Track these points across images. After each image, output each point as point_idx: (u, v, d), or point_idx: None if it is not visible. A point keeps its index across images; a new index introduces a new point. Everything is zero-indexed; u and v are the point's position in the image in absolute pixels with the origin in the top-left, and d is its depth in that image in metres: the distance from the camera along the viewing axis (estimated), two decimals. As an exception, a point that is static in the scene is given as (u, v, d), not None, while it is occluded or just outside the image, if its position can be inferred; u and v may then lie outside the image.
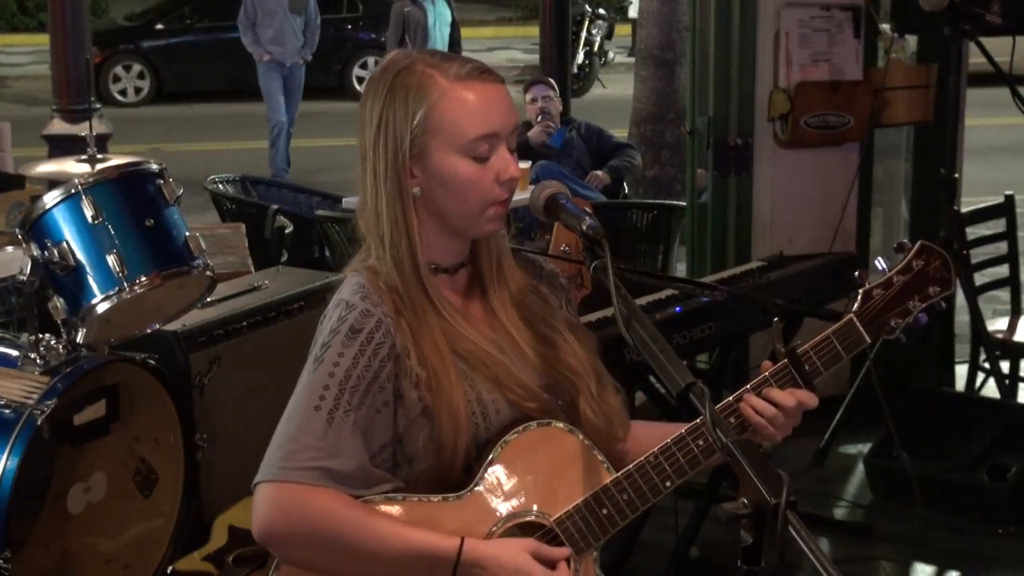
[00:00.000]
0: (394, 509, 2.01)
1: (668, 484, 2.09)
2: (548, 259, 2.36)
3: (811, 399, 2.14)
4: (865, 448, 5.00)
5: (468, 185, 2.06)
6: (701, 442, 2.08)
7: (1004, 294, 5.62)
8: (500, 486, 2.05)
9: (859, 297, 2.20)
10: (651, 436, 2.18)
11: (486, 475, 2.05)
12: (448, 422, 2.03)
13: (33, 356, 3.64)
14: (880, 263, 2.22)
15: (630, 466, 2.09)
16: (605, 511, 2.07)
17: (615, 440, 2.18)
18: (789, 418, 2.14)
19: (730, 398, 2.15)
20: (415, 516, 2.01)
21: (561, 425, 2.10)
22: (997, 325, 5.37)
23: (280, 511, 1.97)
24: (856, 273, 2.23)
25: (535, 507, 2.08)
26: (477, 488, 2.05)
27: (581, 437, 2.11)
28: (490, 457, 2.05)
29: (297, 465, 1.96)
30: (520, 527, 2.08)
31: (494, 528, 2.05)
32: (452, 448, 2.04)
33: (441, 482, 2.06)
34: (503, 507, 2.06)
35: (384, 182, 2.06)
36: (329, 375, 2.00)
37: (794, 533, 1.75)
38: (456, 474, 2.06)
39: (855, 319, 2.19)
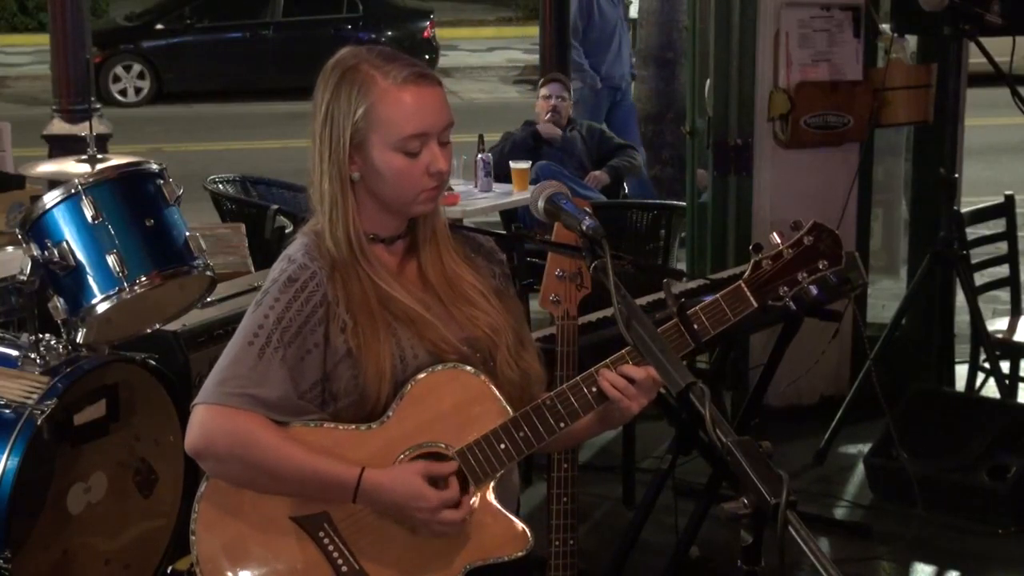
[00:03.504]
0: (311, 435, 2.25)
1: (562, 425, 2.29)
2: (489, 237, 2.54)
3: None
4: (865, 448, 5.00)
5: (400, 176, 2.29)
6: (595, 389, 2.29)
7: (1004, 294, 5.62)
8: (408, 419, 2.27)
9: (750, 266, 2.37)
10: None
11: (397, 409, 2.27)
12: (372, 369, 2.26)
13: (33, 356, 3.64)
14: (774, 237, 2.39)
15: (528, 407, 2.30)
16: (503, 446, 2.28)
17: (530, 396, 2.36)
18: (641, 391, 2.30)
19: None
20: (328, 442, 2.25)
21: (467, 368, 2.30)
22: (997, 325, 5.37)
23: (208, 429, 2.23)
24: (751, 246, 2.38)
25: (439, 439, 2.28)
26: (388, 420, 2.27)
27: (484, 378, 2.30)
28: (401, 393, 2.27)
29: (228, 391, 2.23)
30: (424, 456, 2.28)
31: (401, 456, 2.27)
32: (376, 392, 2.27)
33: (362, 417, 2.29)
34: (410, 438, 2.27)
35: (327, 167, 2.31)
36: (264, 316, 2.26)
37: (794, 533, 1.75)
38: (375, 410, 2.29)
39: (743, 285, 2.36)
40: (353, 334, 2.27)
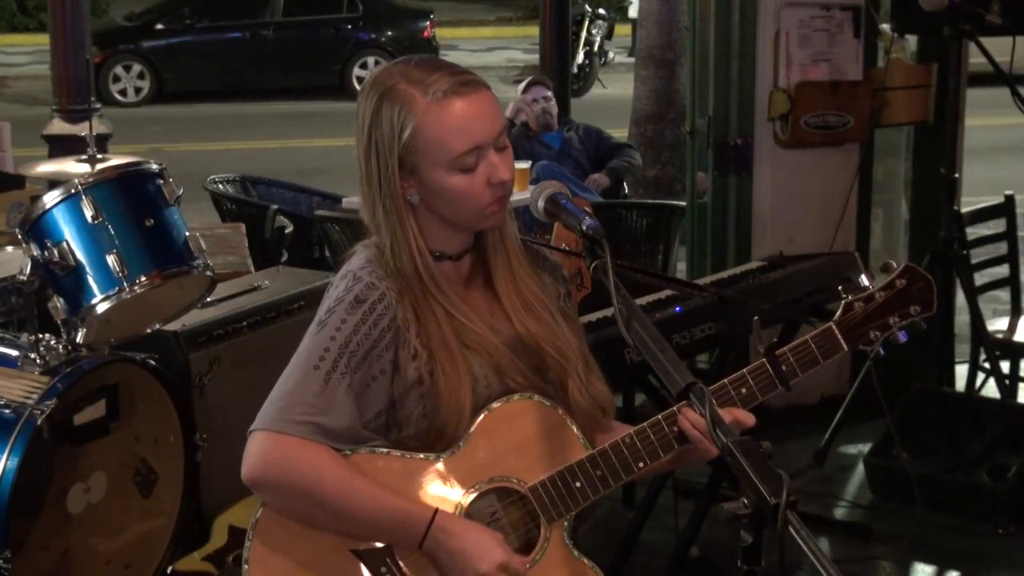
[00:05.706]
0: (376, 463, 2.12)
1: (641, 465, 2.19)
2: (553, 251, 2.44)
3: (748, 418, 2.21)
4: (865, 448, 5.00)
5: (461, 194, 2.15)
6: (675, 428, 2.18)
7: (1004, 294, 5.62)
8: (481, 450, 2.16)
9: (841, 307, 2.31)
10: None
11: (469, 439, 2.15)
12: (452, 404, 2.14)
13: (33, 356, 3.64)
14: (864, 279, 2.33)
15: (606, 444, 2.19)
16: (578, 484, 2.17)
17: (598, 423, 2.27)
18: None
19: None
20: (397, 470, 2.12)
21: (544, 400, 2.19)
22: (997, 325, 5.37)
23: (268, 458, 2.08)
24: (840, 286, 2.33)
25: (512, 473, 2.17)
26: (459, 451, 2.15)
27: (560, 411, 2.20)
28: (473, 422, 2.15)
29: (291, 418, 2.08)
30: (496, 491, 2.17)
31: (472, 488, 2.15)
32: (453, 427, 2.15)
33: (429, 445, 2.17)
34: (481, 470, 2.16)
35: (379, 196, 2.17)
36: (330, 339, 2.12)
37: (794, 533, 1.75)
38: (446, 441, 2.17)
39: (834, 327, 2.30)
40: (427, 365, 2.14)
